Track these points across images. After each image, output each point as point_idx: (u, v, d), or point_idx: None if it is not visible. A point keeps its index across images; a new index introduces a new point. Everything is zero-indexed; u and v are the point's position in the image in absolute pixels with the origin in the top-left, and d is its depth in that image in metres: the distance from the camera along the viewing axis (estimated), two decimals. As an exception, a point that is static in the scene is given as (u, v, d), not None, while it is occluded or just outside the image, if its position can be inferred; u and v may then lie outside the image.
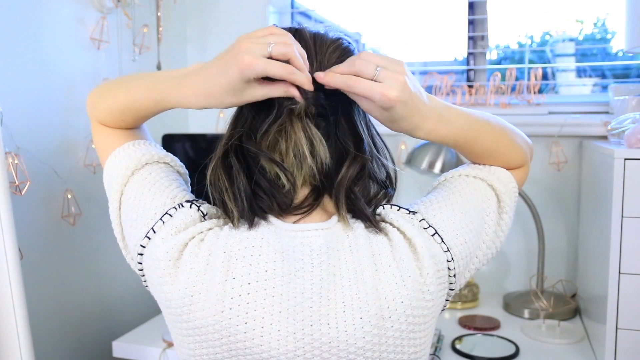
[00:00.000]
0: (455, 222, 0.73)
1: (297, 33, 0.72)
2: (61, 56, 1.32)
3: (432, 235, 0.71)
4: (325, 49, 0.71)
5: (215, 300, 0.65)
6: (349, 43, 0.74)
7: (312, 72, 0.69)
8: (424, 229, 0.71)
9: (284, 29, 0.72)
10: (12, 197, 0.98)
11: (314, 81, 0.68)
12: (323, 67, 0.70)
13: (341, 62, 0.70)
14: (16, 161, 1.11)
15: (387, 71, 0.65)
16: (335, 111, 0.72)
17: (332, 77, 0.67)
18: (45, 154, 1.27)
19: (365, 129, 0.74)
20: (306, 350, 0.64)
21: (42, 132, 1.27)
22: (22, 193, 1.13)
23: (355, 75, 0.65)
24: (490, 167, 0.80)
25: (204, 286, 0.66)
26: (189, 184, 0.83)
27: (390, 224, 0.71)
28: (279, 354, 0.64)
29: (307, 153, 0.68)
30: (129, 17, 1.49)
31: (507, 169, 0.81)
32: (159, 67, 1.63)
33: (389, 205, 0.74)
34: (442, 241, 0.71)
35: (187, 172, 0.84)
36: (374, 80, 0.65)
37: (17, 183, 1.11)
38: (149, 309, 1.60)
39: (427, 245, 0.69)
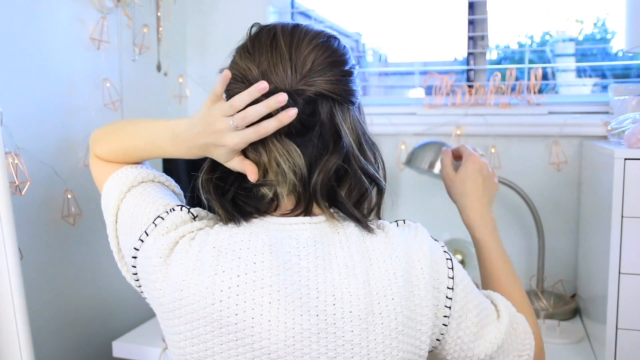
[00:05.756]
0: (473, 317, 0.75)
1: (274, 36, 0.71)
2: (61, 56, 1.32)
3: (447, 260, 0.75)
4: (302, 51, 0.70)
5: (205, 293, 0.67)
6: (328, 38, 0.73)
7: (286, 78, 0.68)
8: (447, 259, 0.75)
9: (261, 27, 0.73)
10: (12, 197, 0.98)
11: (294, 88, 0.68)
12: (298, 72, 0.69)
13: (320, 63, 0.70)
14: (16, 161, 1.11)
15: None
16: (313, 119, 0.71)
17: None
18: (45, 154, 1.27)
19: (349, 133, 0.73)
20: (296, 340, 0.65)
21: (42, 132, 1.27)
22: (22, 193, 1.13)
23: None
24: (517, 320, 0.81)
25: (193, 281, 0.68)
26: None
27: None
28: (269, 344, 0.66)
29: (288, 164, 0.70)
30: (129, 17, 1.49)
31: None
32: (159, 67, 1.63)
33: (429, 236, 0.76)
34: (452, 277, 0.74)
35: (182, 192, 0.87)
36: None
37: (17, 183, 1.11)
38: (149, 309, 1.59)
39: (433, 257, 0.73)
